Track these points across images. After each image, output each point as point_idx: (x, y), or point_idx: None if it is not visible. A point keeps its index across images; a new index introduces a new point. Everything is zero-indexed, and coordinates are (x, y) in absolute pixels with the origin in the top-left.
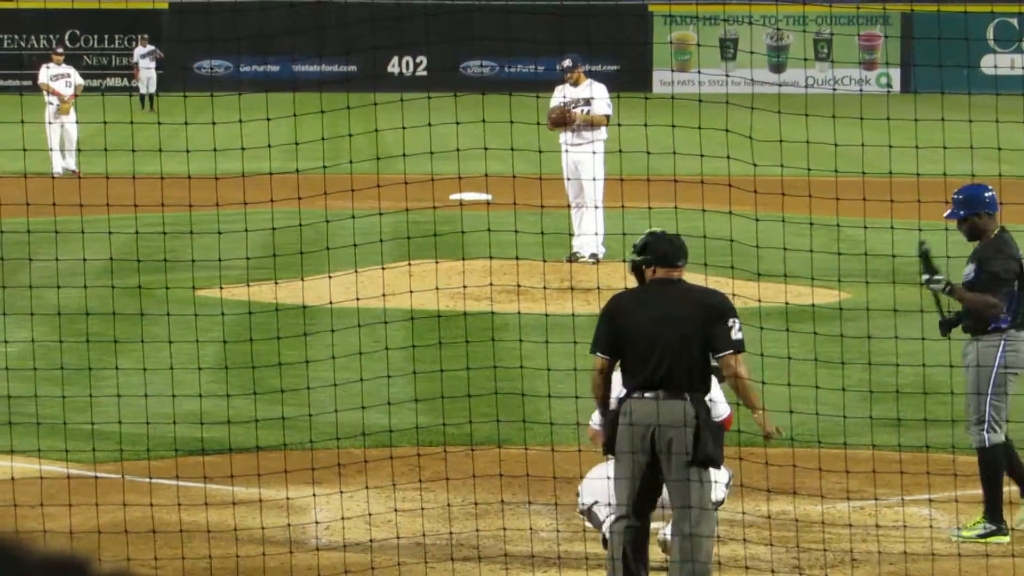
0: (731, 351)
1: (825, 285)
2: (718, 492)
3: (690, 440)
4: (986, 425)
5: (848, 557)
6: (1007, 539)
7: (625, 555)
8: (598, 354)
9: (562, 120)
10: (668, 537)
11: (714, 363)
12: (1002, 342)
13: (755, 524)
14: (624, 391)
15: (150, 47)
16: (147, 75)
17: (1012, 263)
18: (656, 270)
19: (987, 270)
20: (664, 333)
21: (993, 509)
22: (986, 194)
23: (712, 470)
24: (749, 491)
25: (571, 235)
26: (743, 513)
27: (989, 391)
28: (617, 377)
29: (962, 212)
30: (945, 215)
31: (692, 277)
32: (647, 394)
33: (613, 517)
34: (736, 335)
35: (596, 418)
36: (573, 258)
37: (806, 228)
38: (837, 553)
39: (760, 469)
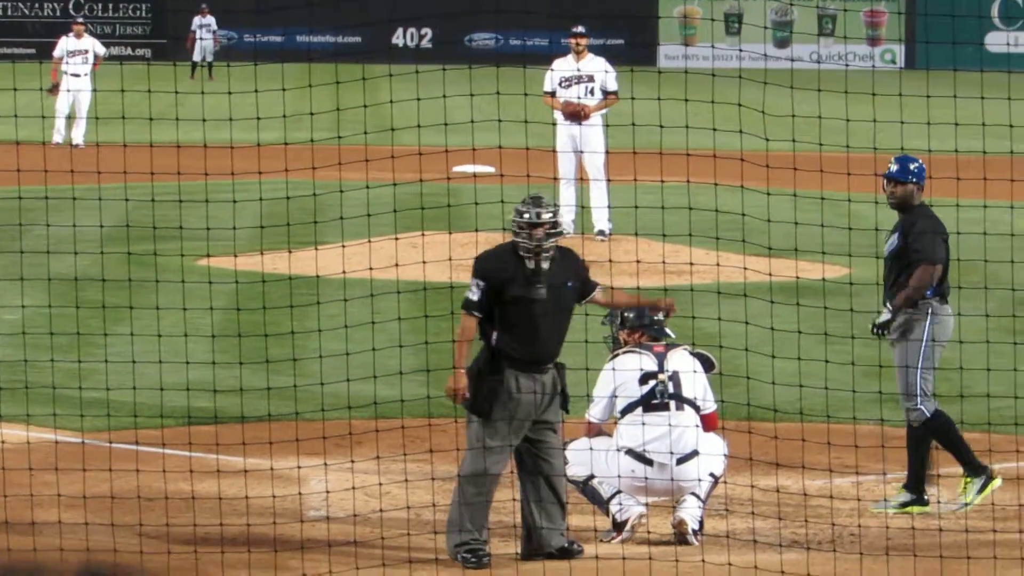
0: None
1: (835, 261)
2: (717, 465)
3: None
4: (919, 399)
5: (856, 531)
6: (999, 482)
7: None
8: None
9: (576, 115)
10: (681, 516)
11: (706, 354)
12: (928, 315)
13: (763, 499)
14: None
15: (210, 18)
16: (204, 44)
17: (941, 230)
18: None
19: (919, 245)
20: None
21: (970, 462)
22: (915, 166)
23: (710, 443)
24: (758, 465)
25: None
26: (752, 486)
27: (919, 365)
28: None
29: (902, 175)
30: (883, 173)
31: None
32: None
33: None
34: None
35: (596, 413)
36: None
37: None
38: (844, 527)
39: (769, 443)
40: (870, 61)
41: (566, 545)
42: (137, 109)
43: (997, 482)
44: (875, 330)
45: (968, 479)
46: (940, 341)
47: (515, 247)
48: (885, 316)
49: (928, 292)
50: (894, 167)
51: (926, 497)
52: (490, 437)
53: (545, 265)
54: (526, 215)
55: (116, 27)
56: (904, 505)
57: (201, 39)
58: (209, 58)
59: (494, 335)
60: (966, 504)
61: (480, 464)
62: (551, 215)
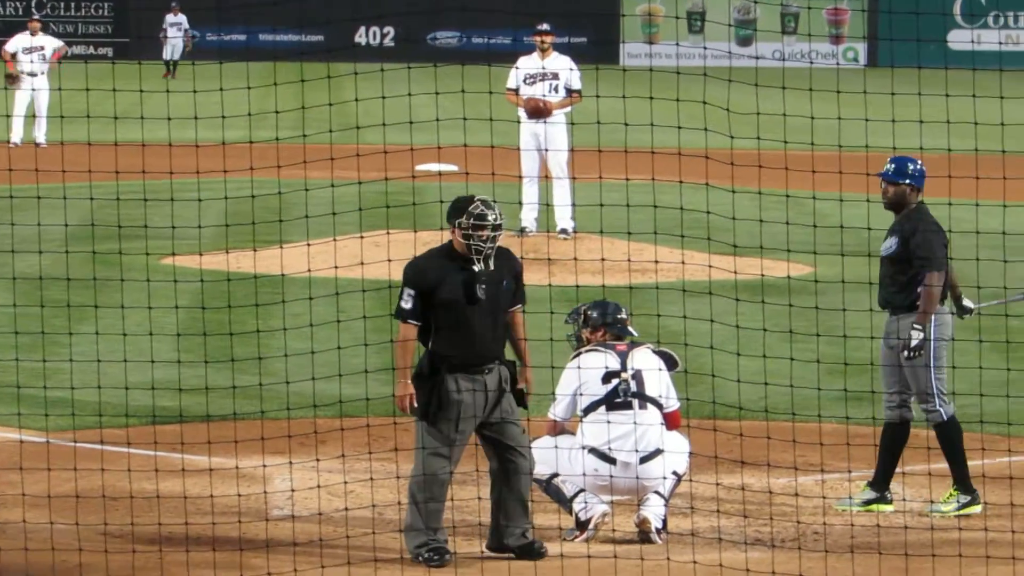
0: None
1: (800, 259)
2: (680, 463)
3: None
4: (937, 401)
5: (819, 529)
6: (979, 508)
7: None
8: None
9: (538, 112)
10: (644, 514)
11: (670, 352)
12: (932, 316)
13: (728, 497)
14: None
15: (181, 16)
16: (173, 42)
17: (943, 236)
18: None
19: (926, 253)
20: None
21: (963, 480)
22: (913, 167)
23: (673, 441)
24: (723, 463)
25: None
26: (717, 485)
27: (931, 365)
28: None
29: (899, 177)
30: (877, 173)
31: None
32: None
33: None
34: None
35: (559, 411)
36: (522, 233)
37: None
38: (808, 525)
39: (734, 441)
40: (833, 59)
41: (527, 544)
42: (101, 108)
43: (978, 509)
44: (911, 354)
45: (955, 492)
46: (945, 339)
47: (450, 249)
48: (917, 337)
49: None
50: (889, 167)
51: (977, 496)
52: (434, 441)
53: (491, 265)
54: (490, 216)
55: (78, 26)
56: (962, 507)
57: (171, 38)
58: (176, 56)
59: (431, 339)
60: (940, 512)
61: (427, 467)
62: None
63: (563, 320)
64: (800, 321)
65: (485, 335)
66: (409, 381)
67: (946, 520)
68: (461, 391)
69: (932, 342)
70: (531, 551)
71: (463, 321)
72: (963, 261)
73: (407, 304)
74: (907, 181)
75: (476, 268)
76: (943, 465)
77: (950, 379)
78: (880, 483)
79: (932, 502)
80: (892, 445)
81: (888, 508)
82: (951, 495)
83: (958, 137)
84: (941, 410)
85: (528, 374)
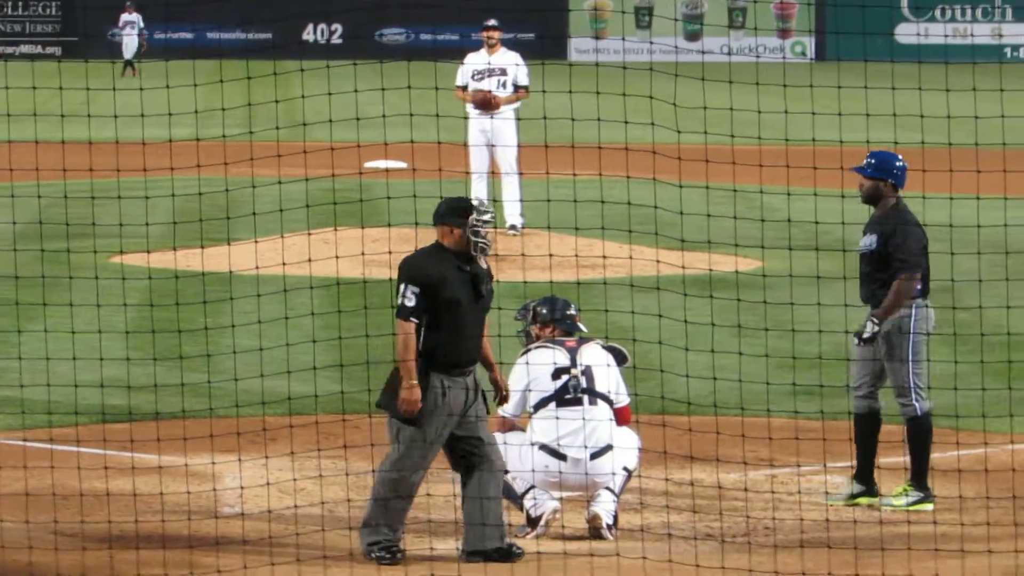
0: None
1: (748, 253)
2: (631, 459)
3: None
4: (913, 395)
5: (769, 524)
6: (932, 507)
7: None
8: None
9: (486, 105)
10: (595, 511)
11: (619, 347)
12: (912, 310)
13: (677, 492)
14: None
15: (135, 15)
16: (127, 41)
17: (921, 234)
18: None
19: (903, 255)
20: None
21: (921, 477)
22: (897, 163)
23: (623, 437)
24: (673, 458)
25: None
26: (666, 480)
27: (909, 359)
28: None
29: (870, 171)
30: (854, 168)
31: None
32: None
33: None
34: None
35: (508, 408)
36: None
37: (730, 196)
38: (758, 520)
39: (684, 436)
40: (780, 53)
41: (506, 548)
42: (47, 107)
43: (930, 507)
44: (860, 343)
45: (909, 487)
46: (924, 334)
47: (441, 248)
48: (871, 329)
49: (914, 291)
50: (867, 162)
51: (931, 494)
52: (413, 440)
53: (484, 264)
54: (487, 215)
55: (26, 25)
56: (913, 503)
57: (126, 35)
58: (129, 55)
59: (420, 338)
60: (891, 505)
61: (403, 467)
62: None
63: (513, 316)
64: (749, 316)
65: (476, 335)
66: (417, 385)
67: (896, 514)
68: (447, 393)
69: (911, 336)
70: (510, 555)
71: (459, 320)
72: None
73: (410, 302)
74: (880, 176)
75: (473, 267)
76: (895, 459)
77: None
78: (865, 476)
79: (883, 495)
80: (868, 436)
81: (875, 500)
82: (904, 490)
83: (904, 130)
84: (916, 404)
85: (498, 374)
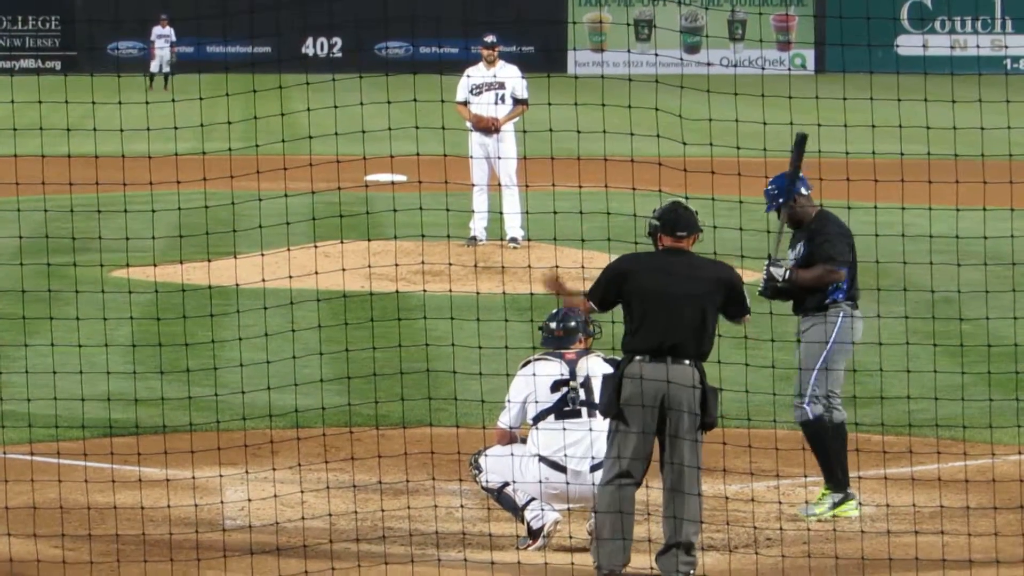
0: (746, 315)
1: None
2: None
3: (698, 401)
4: (807, 399)
5: (775, 535)
6: (856, 509)
7: (622, 511)
8: (591, 303)
9: (488, 129)
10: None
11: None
12: (839, 318)
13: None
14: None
15: (169, 28)
16: (161, 55)
17: (847, 238)
18: (663, 238)
19: (830, 248)
20: (679, 303)
21: (832, 479)
22: (773, 188)
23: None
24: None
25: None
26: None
27: (816, 366)
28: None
29: (778, 202)
30: (766, 209)
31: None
32: (655, 359)
33: (611, 479)
34: (748, 301)
35: (504, 419)
36: (473, 242)
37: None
38: (764, 531)
39: None
40: (782, 66)
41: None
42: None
43: (853, 511)
44: (767, 287)
45: (826, 491)
46: (846, 342)
47: None
48: (777, 273)
49: (839, 295)
50: (766, 203)
51: (852, 493)
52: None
53: None
54: None
55: (26, 39)
56: (834, 506)
57: (159, 50)
58: (166, 69)
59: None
60: (814, 514)
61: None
62: None
63: (537, 327)
64: (753, 327)
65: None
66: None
67: (902, 524)
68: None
69: (829, 344)
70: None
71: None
72: (916, 265)
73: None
74: (792, 196)
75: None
76: (899, 470)
77: (876, 382)
78: (839, 485)
79: (807, 502)
80: (835, 446)
81: (853, 506)
82: (823, 495)
83: (910, 142)
84: (807, 408)
85: None
